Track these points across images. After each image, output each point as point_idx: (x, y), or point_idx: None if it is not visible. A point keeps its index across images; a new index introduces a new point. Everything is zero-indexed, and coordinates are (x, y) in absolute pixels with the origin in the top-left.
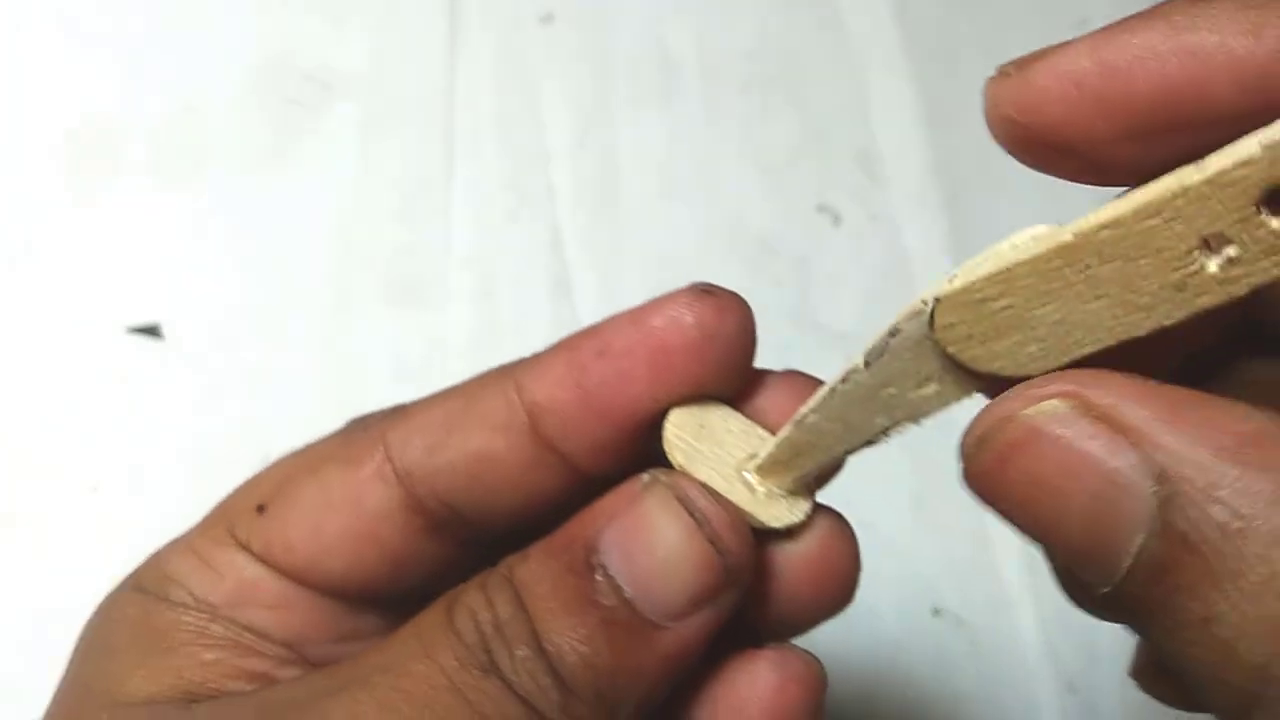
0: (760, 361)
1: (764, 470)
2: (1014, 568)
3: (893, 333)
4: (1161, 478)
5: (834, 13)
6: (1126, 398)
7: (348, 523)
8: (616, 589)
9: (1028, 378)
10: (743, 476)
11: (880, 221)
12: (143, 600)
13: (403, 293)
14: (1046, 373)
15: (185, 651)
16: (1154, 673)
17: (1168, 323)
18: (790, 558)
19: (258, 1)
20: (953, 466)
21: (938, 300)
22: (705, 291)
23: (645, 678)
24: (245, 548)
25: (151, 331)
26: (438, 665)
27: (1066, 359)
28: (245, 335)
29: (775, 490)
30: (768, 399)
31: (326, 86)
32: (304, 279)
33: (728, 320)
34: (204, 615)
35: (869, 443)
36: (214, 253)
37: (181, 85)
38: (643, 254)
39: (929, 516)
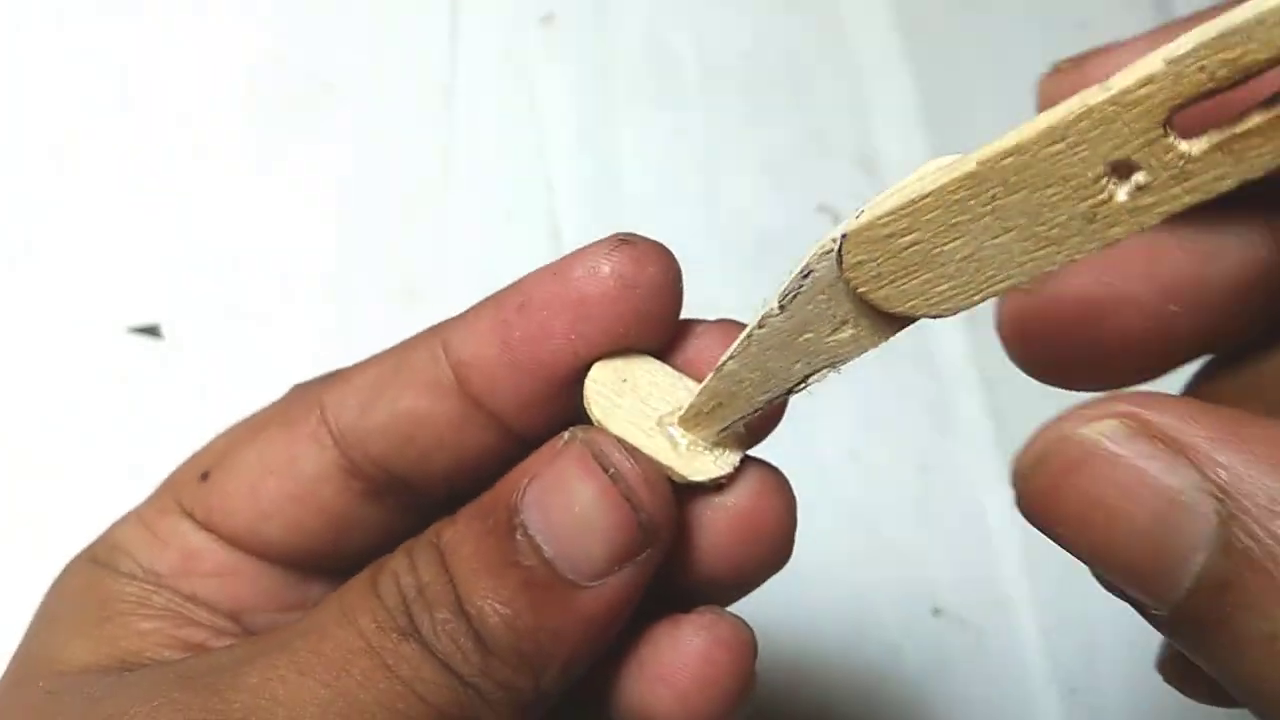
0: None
1: (687, 422)
2: (1014, 568)
3: (805, 273)
4: (1222, 496)
5: (834, 13)
6: (1183, 418)
7: (284, 485)
8: (537, 549)
9: (940, 317)
10: (666, 430)
11: None
12: (90, 570)
13: (402, 292)
14: (959, 311)
15: (123, 621)
16: (1182, 669)
17: (1079, 256)
18: (717, 513)
19: (257, 1)
20: (955, 468)
21: (844, 237)
22: (623, 241)
23: (568, 640)
24: (190, 516)
25: (151, 331)
26: (356, 629)
27: (980, 297)
28: (245, 335)
29: (700, 443)
30: (696, 349)
31: (327, 86)
32: (303, 278)
33: (646, 269)
34: (148, 585)
35: (790, 391)
36: (213, 253)
37: (181, 85)
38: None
39: (930, 518)
